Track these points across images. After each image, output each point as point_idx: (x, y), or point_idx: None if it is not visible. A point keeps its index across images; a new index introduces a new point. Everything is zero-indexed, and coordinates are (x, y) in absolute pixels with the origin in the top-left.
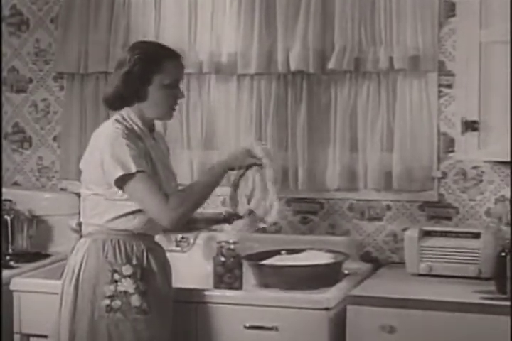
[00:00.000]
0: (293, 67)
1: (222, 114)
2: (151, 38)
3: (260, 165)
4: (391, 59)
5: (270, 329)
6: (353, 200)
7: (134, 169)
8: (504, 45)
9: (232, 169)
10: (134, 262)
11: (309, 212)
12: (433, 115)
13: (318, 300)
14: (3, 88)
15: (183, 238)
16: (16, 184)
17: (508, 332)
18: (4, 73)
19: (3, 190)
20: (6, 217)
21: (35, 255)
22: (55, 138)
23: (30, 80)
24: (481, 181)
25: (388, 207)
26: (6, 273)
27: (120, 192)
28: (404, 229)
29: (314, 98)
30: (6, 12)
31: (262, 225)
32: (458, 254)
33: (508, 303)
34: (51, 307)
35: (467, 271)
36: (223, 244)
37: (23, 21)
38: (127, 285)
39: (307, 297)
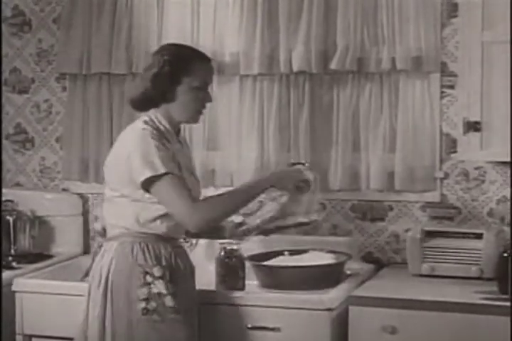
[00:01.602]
0: (295, 68)
1: (225, 115)
2: (153, 39)
3: (305, 189)
4: (393, 59)
5: (272, 329)
6: (355, 201)
7: (162, 170)
8: (506, 45)
9: (275, 187)
10: (164, 263)
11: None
12: (435, 115)
13: (320, 301)
14: (5, 89)
15: (185, 239)
16: (18, 184)
17: (509, 333)
18: (6, 74)
19: (6, 190)
20: (8, 217)
21: (38, 256)
22: (57, 139)
23: (33, 81)
24: (484, 181)
25: (390, 208)
26: (8, 273)
27: (147, 194)
28: (407, 230)
29: (317, 98)
30: (8, 12)
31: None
32: (460, 255)
33: (509, 304)
34: (53, 308)
35: (469, 271)
36: (226, 244)
37: (26, 22)
38: (160, 286)
39: (309, 297)
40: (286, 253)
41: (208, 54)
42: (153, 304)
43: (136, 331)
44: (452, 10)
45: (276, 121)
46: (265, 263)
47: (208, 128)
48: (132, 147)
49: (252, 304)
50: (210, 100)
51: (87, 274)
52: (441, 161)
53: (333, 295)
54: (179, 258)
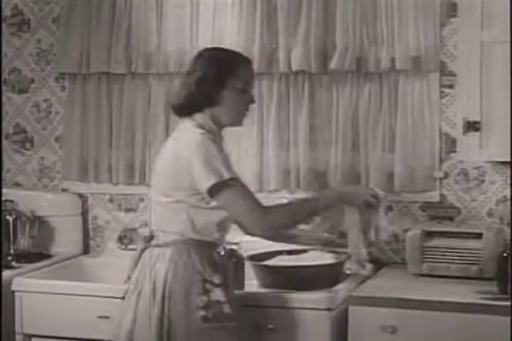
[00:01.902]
0: (295, 67)
1: None
2: (152, 39)
3: (374, 205)
4: (393, 59)
5: (272, 329)
6: None
7: (228, 176)
8: (506, 45)
9: (344, 203)
10: (221, 271)
11: None
12: (435, 115)
13: (320, 301)
14: (5, 88)
15: None
16: (17, 184)
17: (509, 333)
18: (6, 74)
19: (5, 190)
20: (7, 217)
21: (37, 255)
22: (56, 139)
23: (32, 80)
24: (483, 181)
25: (390, 208)
26: (7, 273)
27: (207, 199)
28: (406, 230)
29: (316, 98)
30: (7, 12)
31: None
32: (459, 255)
33: (509, 303)
34: (53, 308)
35: (469, 271)
36: (225, 244)
37: (25, 21)
38: (219, 294)
39: (309, 297)
40: (285, 253)
41: None
42: (212, 312)
43: (195, 339)
44: (451, 9)
45: (276, 120)
46: (265, 262)
47: None
48: (193, 153)
49: (252, 304)
50: (253, 102)
51: (129, 278)
52: (441, 161)
53: (333, 295)
54: (231, 265)
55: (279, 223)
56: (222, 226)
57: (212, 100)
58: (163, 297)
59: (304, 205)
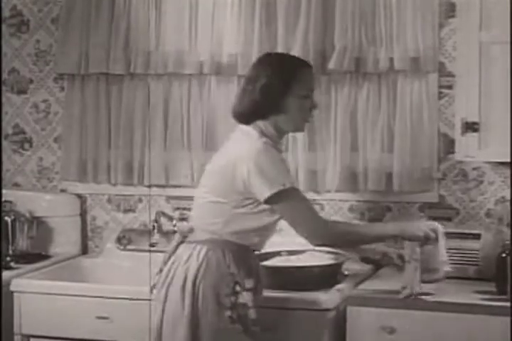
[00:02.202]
0: None
1: (223, 115)
2: (151, 39)
3: (434, 241)
4: (391, 59)
5: (270, 330)
6: (354, 201)
7: (288, 185)
8: (504, 45)
9: (405, 237)
10: (255, 275)
11: None
12: (433, 116)
13: (318, 301)
14: (4, 89)
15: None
16: (16, 185)
17: (508, 333)
18: (5, 74)
19: (4, 191)
20: (6, 218)
21: (36, 256)
22: (55, 139)
23: (31, 81)
24: (482, 182)
25: (388, 208)
26: (6, 274)
27: (255, 204)
28: None
29: (315, 98)
30: (6, 13)
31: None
32: (458, 255)
33: (508, 304)
34: (51, 308)
35: (467, 271)
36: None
37: (24, 22)
38: (247, 298)
39: (308, 298)
40: (284, 253)
41: (206, 54)
42: (236, 314)
43: (220, 338)
44: (450, 10)
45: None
46: (264, 263)
47: (206, 129)
48: (255, 161)
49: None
50: (316, 107)
51: (161, 271)
52: (440, 162)
53: (331, 296)
54: (259, 271)
55: (337, 233)
56: (262, 232)
57: (277, 108)
58: (193, 293)
59: (364, 228)
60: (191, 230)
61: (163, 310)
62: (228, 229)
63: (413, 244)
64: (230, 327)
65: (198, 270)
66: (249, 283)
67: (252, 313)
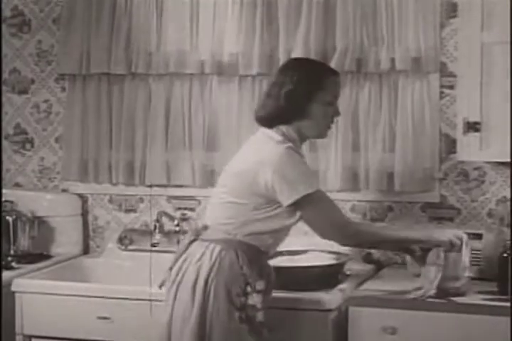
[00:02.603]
0: None
1: (224, 115)
2: (152, 39)
3: (458, 248)
4: (393, 60)
5: (272, 330)
6: (355, 201)
7: (311, 190)
8: (506, 45)
9: (431, 244)
10: (266, 277)
11: None
12: (435, 116)
13: (320, 301)
14: (5, 89)
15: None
16: (17, 185)
17: (509, 333)
18: (6, 74)
19: (5, 191)
20: (7, 218)
21: (37, 256)
22: (56, 139)
23: (32, 81)
24: (483, 182)
25: (390, 208)
26: (7, 274)
27: (274, 207)
28: None
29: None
30: (7, 13)
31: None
32: None
33: (509, 304)
34: (53, 308)
35: (469, 271)
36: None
37: (25, 22)
38: (257, 300)
39: (309, 298)
40: (285, 253)
41: (207, 54)
42: (245, 314)
43: (230, 338)
44: (451, 10)
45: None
46: None
47: (208, 128)
48: (277, 166)
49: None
50: (338, 114)
51: (171, 268)
52: (441, 162)
53: (333, 296)
54: (271, 273)
55: (364, 235)
56: (276, 235)
57: (301, 113)
58: (204, 292)
59: (391, 231)
60: (205, 228)
61: (172, 309)
62: (244, 230)
63: (439, 249)
64: (239, 327)
65: (211, 269)
66: (260, 285)
67: (260, 315)
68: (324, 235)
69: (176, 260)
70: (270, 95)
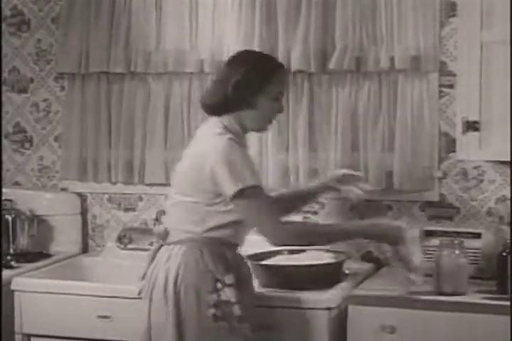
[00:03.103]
0: (294, 67)
1: None
2: (152, 38)
3: (400, 243)
4: (392, 59)
5: (271, 329)
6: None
7: (251, 183)
8: (505, 45)
9: (367, 238)
10: (234, 271)
11: (310, 212)
12: (434, 115)
13: (319, 300)
14: (4, 88)
15: None
16: (16, 184)
17: (509, 333)
18: (5, 73)
19: (4, 189)
20: (7, 216)
21: (36, 255)
22: (56, 138)
23: (31, 80)
24: (482, 181)
25: (389, 207)
26: (7, 272)
27: (226, 202)
28: None
29: (315, 98)
30: (6, 12)
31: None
32: None
33: (509, 303)
34: (52, 307)
35: (468, 270)
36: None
37: (24, 21)
38: (229, 294)
39: (308, 297)
40: (284, 252)
41: (206, 53)
42: (220, 311)
43: (205, 337)
44: (451, 9)
45: (275, 120)
46: (264, 262)
47: None
48: (218, 158)
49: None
50: (282, 110)
51: (145, 275)
52: (440, 161)
53: (332, 295)
54: (245, 265)
55: (295, 234)
56: (237, 227)
57: (247, 104)
58: (174, 293)
59: (325, 227)
60: (166, 232)
61: (149, 314)
62: (203, 227)
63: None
64: (214, 325)
65: (178, 271)
66: (229, 279)
67: (236, 309)
68: (258, 232)
69: (147, 268)
70: (218, 83)
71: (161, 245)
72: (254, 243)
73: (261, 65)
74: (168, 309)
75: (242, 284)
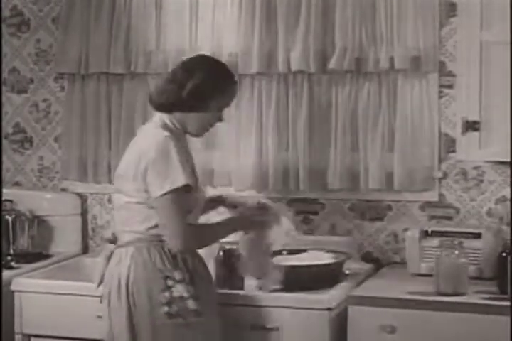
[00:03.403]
0: (294, 67)
1: (223, 114)
2: (152, 38)
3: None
4: (392, 59)
5: (272, 329)
6: (354, 200)
7: (181, 183)
8: (505, 45)
9: (247, 231)
10: (182, 267)
11: (311, 212)
12: (434, 115)
13: (319, 301)
14: (4, 88)
15: None
16: (16, 184)
17: (509, 333)
18: (5, 74)
19: (4, 190)
20: (7, 217)
21: (36, 255)
22: (55, 139)
23: (31, 81)
24: (482, 181)
25: (389, 207)
26: (7, 273)
27: None
28: (405, 229)
29: (315, 98)
30: (6, 12)
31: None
32: None
33: (509, 303)
34: (52, 308)
35: (468, 271)
36: (224, 244)
37: (24, 22)
38: (181, 289)
39: (308, 297)
40: (285, 252)
41: (207, 53)
42: (175, 308)
43: (160, 335)
44: (451, 9)
45: (275, 120)
46: None
47: None
48: (152, 156)
49: (252, 304)
50: (222, 120)
51: (101, 281)
52: (440, 161)
53: (332, 295)
54: (196, 260)
55: (196, 244)
56: None
57: (196, 108)
58: (127, 295)
59: (222, 228)
60: (115, 236)
61: (109, 316)
62: (147, 226)
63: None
64: (169, 323)
65: (128, 272)
66: (178, 275)
67: (191, 304)
68: (164, 234)
69: (102, 275)
70: (172, 83)
71: (112, 251)
72: None
73: (219, 73)
74: (123, 311)
75: (196, 279)
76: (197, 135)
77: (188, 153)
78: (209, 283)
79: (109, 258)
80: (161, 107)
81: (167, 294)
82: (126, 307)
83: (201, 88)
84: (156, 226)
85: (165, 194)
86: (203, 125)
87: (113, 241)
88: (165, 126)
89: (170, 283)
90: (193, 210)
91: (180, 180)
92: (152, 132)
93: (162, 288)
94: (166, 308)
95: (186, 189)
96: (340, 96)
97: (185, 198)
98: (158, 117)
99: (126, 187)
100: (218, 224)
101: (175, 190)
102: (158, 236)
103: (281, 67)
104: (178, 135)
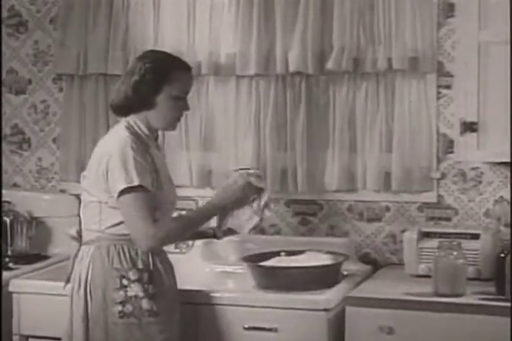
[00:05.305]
0: (292, 68)
1: (221, 115)
2: (149, 39)
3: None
4: (390, 59)
5: (269, 330)
6: (352, 201)
7: (136, 183)
8: (503, 45)
9: (232, 209)
10: (140, 266)
11: (308, 214)
12: (432, 116)
13: (317, 302)
14: (3, 89)
15: None
16: (15, 185)
17: (508, 333)
18: (3, 74)
19: (3, 191)
20: (5, 218)
21: (34, 256)
22: (54, 140)
23: (30, 81)
24: (480, 182)
25: (387, 208)
26: (5, 274)
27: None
28: (403, 230)
29: (313, 99)
30: (4, 13)
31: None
32: None
33: (507, 304)
34: (50, 309)
35: (466, 272)
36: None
37: (22, 22)
38: (136, 289)
39: (306, 298)
40: (283, 253)
41: (204, 54)
42: (129, 307)
43: (112, 334)
44: (449, 10)
45: (273, 121)
46: (262, 263)
47: (205, 129)
48: (113, 155)
49: (249, 304)
50: (187, 109)
51: (68, 280)
52: (438, 162)
53: (330, 296)
54: (158, 259)
55: (166, 241)
56: None
57: (147, 104)
58: (85, 293)
59: (191, 220)
60: (79, 235)
61: (71, 315)
62: (106, 225)
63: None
64: (122, 322)
65: (88, 270)
66: (133, 275)
67: (145, 303)
68: (131, 234)
69: (70, 273)
70: (122, 84)
71: (79, 249)
72: (251, 244)
73: (159, 64)
74: (80, 309)
75: (156, 279)
76: (166, 129)
77: (153, 153)
78: (170, 281)
79: (75, 256)
80: (117, 111)
81: (122, 293)
82: (83, 305)
83: (141, 83)
84: (115, 225)
85: (123, 194)
86: (166, 119)
87: (77, 238)
88: (129, 128)
89: (125, 282)
90: (162, 207)
91: (134, 180)
92: (115, 133)
93: (117, 287)
94: (119, 307)
95: (143, 189)
96: (338, 97)
97: (146, 196)
98: (125, 119)
99: (89, 186)
100: (195, 210)
101: (132, 190)
102: (118, 235)
103: (279, 68)
104: (142, 135)
